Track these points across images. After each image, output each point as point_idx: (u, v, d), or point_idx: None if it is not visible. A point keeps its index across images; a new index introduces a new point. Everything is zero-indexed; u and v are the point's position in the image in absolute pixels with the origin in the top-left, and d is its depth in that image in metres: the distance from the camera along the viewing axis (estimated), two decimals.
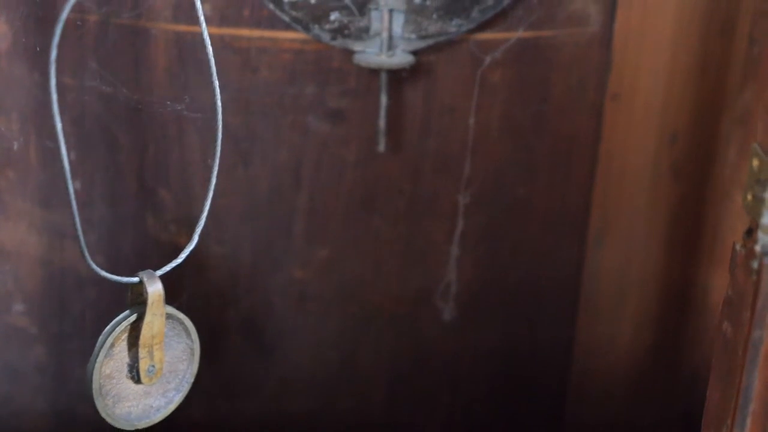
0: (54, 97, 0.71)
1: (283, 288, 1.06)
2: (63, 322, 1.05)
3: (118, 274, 0.78)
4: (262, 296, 1.06)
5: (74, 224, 0.75)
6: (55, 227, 1.02)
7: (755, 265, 0.67)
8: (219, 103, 0.80)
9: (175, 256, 0.81)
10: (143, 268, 0.80)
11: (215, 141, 0.81)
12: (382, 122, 0.98)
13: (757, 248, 0.67)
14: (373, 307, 1.08)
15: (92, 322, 1.05)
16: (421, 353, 1.10)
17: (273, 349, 1.08)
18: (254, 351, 1.08)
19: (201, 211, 0.81)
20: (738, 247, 0.69)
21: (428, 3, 0.94)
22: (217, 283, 1.05)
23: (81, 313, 1.05)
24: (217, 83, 0.80)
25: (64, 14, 0.70)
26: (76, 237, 1.01)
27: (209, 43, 0.79)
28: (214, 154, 0.81)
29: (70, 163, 0.98)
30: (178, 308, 0.82)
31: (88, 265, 0.76)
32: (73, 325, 1.05)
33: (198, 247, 0.82)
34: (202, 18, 0.78)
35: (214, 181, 0.81)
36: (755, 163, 0.68)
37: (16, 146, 0.98)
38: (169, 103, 0.97)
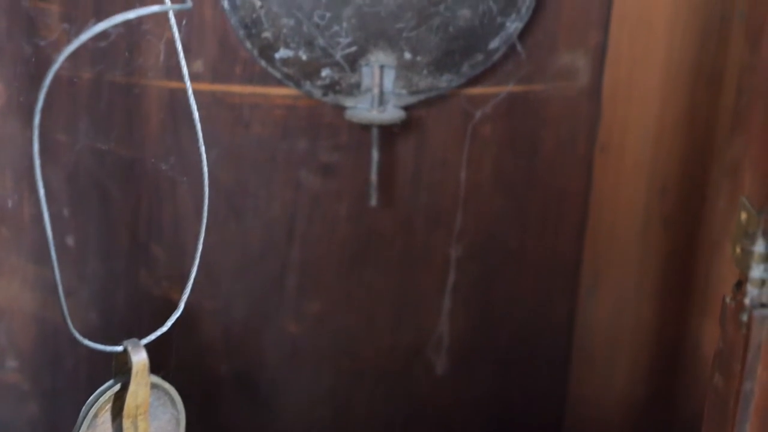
0: (35, 147, 0.71)
1: (276, 343, 1.06)
2: (56, 378, 1.05)
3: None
4: (255, 351, 1.06)
5: (57, 289, 0.75)
6: (48, 283, 1.02)
7: (745, 317, 0.67)
8: (204, 160, 0.81)
9: (168, 312, 0.81)
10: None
11: (203, 198, 0.81)
12: (373, 177, 0.98)
13: (747, 301, 0.67)
14: (365, 361, 1.08)
15: (86, 378, 1.05)
16: (414, 407, 1.10)
17: (266, 404, 1.08)
18: (247, 406, 1.08)
19: (192, 270, 0.81)
20: (728, 299, 0.69)
21: (419, 59, 0.95)
22: (210, 338, 1.05)
23: (74, 368, 1.05)
24: (201, 140, 0.80)
25: (51, 73, 0.70)
26: (71, 293, 1.01)
27: (193, 100, 0.79)
28: (202, 212, 0.81)
29: (63, 219, 0.99)
30: (166, 374, 0.81)
31: (70, 333, 0.75)
32: (66, 381, 1.05)
33: (190, 302, 0.82)
34: (186, 74, 0.79)
35: (201, 240, 0.81)
36: (743, 216, 0.68)
37: (10, 204, 0.98)
38: (162, 159, 0.98)
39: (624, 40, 0.99)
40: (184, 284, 0.84)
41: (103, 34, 0.93)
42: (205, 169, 0.81)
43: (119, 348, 0.77)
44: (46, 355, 1.04)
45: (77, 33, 0.93)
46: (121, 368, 0.77)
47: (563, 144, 1.02)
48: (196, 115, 0.80)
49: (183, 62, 0.78)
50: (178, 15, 0.93)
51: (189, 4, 0.76)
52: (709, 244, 1.05)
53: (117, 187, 0.99)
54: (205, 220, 0.81)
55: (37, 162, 0.71)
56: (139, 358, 0.77)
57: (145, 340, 0.78)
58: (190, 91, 0.79)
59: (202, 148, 0.80)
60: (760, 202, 0.68)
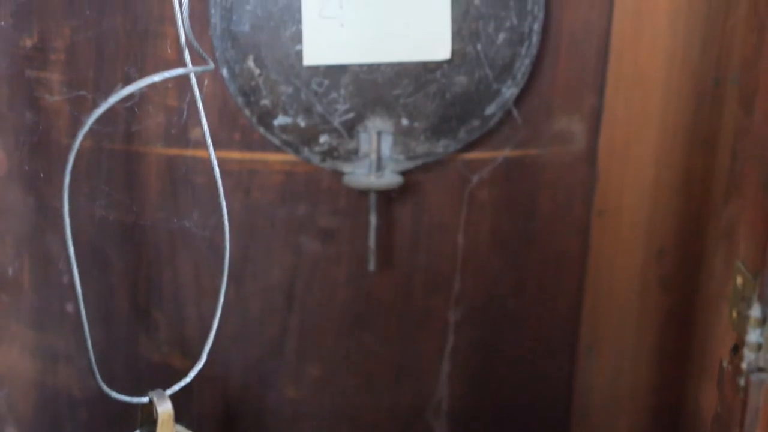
0: (66, 221, 0.72)
1: (276, 408, 1.06)
2: None
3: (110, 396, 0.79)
4: (255, 417, 1.06)
5: (86, 346, 0.76)
6: (48, 350, 1.02)
7: (742, 382, 0.67)
8: (227, 225, 0.82)
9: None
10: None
11: (223, 262, 0.82)
12: (372, 241, 0.99)
13: (744, 365, 0.67)
14: (365, 426, 1.08)
15: None
16: None
17: None
18: None
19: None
20: (725, 363, 0.70)
21: (416, 125, 0.96)
22: (210, 404, 1.05)
23: None
24: (224, 204, 0.81)
25: (80, 135, 0.72)
26: (71, 359, 1.02)
27: (216, 164, 0.81)
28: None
29: (63, 286, 0.99)
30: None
31: (99, 386, 0.77)
32: None
33: (188, 367, 0.83)
34: (208, 138, 0.80)
35: (221, 298, 0.83)
36: (739, 280, 0.69)
37: (10, 271, 0.99)
38: (161, 225, 0.98)
39: (619, 104, 1.00)
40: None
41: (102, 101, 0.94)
42: (227, 231, 0.82)
43: (145, 399, 0.79)
44: (45, 421, 1.04)
45: (78, 101, 0.94)
46: (146, 419, 0.79)
47: (560, 207, 1.03)
48: (219, 180, 0.81)
49: (205, 126, 0.80)
50: (183, 81, 0.94)
51: (211, 65, 0.77)
52: (707, 306, 1.05)
53: (117, 254, 1.00)
54: (225, 284, 0.82)
55: (67, 222, 0.73)
56: (165, 408, 0.79)
57: (169, 391, 0.79)
58: (213, 157, 0.80)
59: (225, 213, 0.82)
60: (755, 266, 0.68)
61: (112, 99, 0.72)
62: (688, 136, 1.02)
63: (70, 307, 1.00)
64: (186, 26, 0.77)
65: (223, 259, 1.00)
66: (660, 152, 1.02)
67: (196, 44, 0.78)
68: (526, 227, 1.03)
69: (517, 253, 1.04)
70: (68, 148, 0.96)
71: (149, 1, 0.92)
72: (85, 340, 0.77)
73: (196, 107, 0.93)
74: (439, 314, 1.05)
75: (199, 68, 0.77)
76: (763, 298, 0.67)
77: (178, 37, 0.77)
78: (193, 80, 0.80)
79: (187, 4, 0.77)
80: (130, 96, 0.94)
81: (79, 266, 1.00)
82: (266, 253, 1.01)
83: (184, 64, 0.78)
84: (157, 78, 0.72)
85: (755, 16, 0.95)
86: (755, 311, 0.67)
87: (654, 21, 0.98)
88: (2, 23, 0.92)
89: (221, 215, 0.98)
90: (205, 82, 0.93)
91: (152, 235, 0.99)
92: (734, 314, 0.69)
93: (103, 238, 0.99)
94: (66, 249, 0.75)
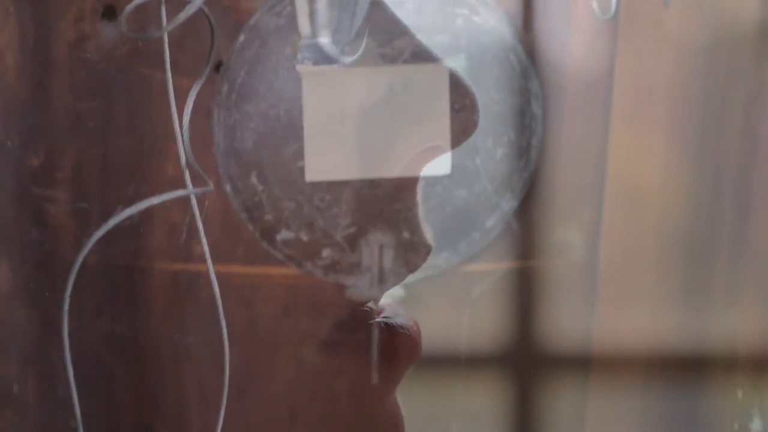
0: (65, 342, 0.72)
1: None
2: None
3: None
4: None
5: None
6: None
7: None
8: (226, 343, 0.82)
9: None
10: None
11: (223, 377, 0.82)
12: (375, 354, 0.99)
13: None
14: None
15: None
16: None
17: None
18: None
19: None
20: None
21: (416, 239, 0.97)
22: None
23: None
24: (224, 322, 0.82)
25: (80, 258, 0.72)
26: None
27: (215, 281, 0.82)
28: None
29: (68, 402, 0.99)
30: None
31: None
32: None
33: None
34: (209, 261, 0.81)
35: (222, 414, 0.83)
36: (739, 393, 0.69)
37: (15, 389, 0.99)
38: (165, 340, 0.99)
39: (618, 217, 1.01)
40: None
41: (108, 218, 0.95)
42: (227, 348, 0.82)
43: None
44: None
45: (84, 218, 0.95)
46: None
47: (561, 319, 1.03)
48: (218, 297, 0.82)
49: (205, 246, 0.81)
50: (187, 198, 0.96)
51: (211, 186, 0.79)
52: None
53: (121, 369, 1.00)
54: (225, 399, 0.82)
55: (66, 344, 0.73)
56: None
57: None
58: (212, 275, 0.81)
59: (224, 331, 0.82)
60: (755, 379, 0.68)
61: (112, 221, 0.73)
62: (687, 245, 1.02)
63: (72, 422, 1.00)
64: (186, 148, 0.79)
65: (223, 372, 1.00)
66: (660, 262, 1.03)
67: (196, 165, 0.79)
68: (528, 338, 1.03)
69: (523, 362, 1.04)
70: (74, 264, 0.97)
71: (155, 120, 0.94)
72: None
73: (194, 225, 0.94)
74: None
75: (199, 190, 0.78)
76: (764, 411, 0.67)
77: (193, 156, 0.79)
78: (194, 201, 0.81)
79: (187, 126, 0.79)
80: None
81: (83, 381, 1.00)
82: (269, 366, 1.01)
83: (201, 181, 0.80)
84: (155, 200, 0.74)
85: (749, 130, 0.97)
86: (756, 425, 0.67)
87: (650, 132, 1.00)
88: (9, 143, 0.93)
89: (222, 331, 0.99)
90: (207, 200, 0.95)
91: (156, 349, 1.00)
92: (735, 427, 0.70)
93: (108, 353, 1.00)
94: (67, 367, 0.76)
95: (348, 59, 0.93)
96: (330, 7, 0.89)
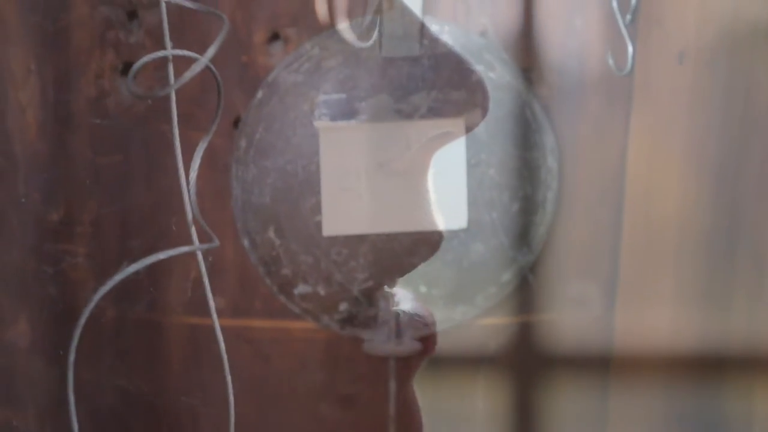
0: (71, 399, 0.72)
1: None
2: None
3: None
4: None
5: None
6: None
7: None
8: (231, 398, 0.82)
9: None
10: None
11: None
12: (392, 408, 0.99)
13: None
14: None
15: None
16: None
17: None
18: None
19: None
20: None
21: (433, 292, 0.97)
22: None
23: None
24: (229, 378, 0.82)
25: (84, 316, 0.73)
26: None
27: (221, 337, 0.81)
28: None
29: None
30: None
31: None
32: None
33: None
34: (213, 312, 0.81)
35: None
36: None
37: None
38: (183, 393, 0.99)
39: (634, 270, 1.01)
40: None
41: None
42: (232, 405, 0.82)
43: None
44: None
45: (102, 272, 0.96)
46: None
47: (577, 373, 1.03)
48: (224, 353, 0.82)
49: (211, 301, 0.81)
50: (205, 253, 0.96)
51: (216, 242, 0.79)
52: None
53: (139, 422, 1.00)
54: None
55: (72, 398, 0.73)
56: None
57: None
58: (218, 330, 0.81)
59: (229, 386, 0.82)
60: None
61: (117, 277, 0.73)
62: (702, 299, 1.02)
63: None
64: (193, 203, 0.79)
65: (241, 427, 1.00)
66: (675, 318, 1.03)
67: (202, 221, 0.79)
68: (543, 391, 1.03)
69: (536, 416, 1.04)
70: (91, 319, 0.97)
71: (171, 175, 0.95)
72: None
73: (212, 279, 0.95)
74: None
75: (204, 245, 0.79)
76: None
77: (199, 211, 0.79)
78: (200, 257, 0.81)
79: (194, 181, 0.79)
80: (151, 266, 0.95)
81: None
82: (287, 420, 1.01)
83: (208, 236, 0.80)
84: (162, 256, 0.74)
85: (764, 183, 0.97)
86: None
87: (666, 187, 1.00)
88: (26, 199, 0.94)
89: (242, 383, 0.99)
90: (210, 257, 0.95)
91: (173, 402, 1.00)
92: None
93: (125, 408, 1.00)
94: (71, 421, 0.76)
95: (364, 44, 0.93)
96: None
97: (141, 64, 0.65)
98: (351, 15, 0.91)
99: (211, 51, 0.67)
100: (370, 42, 0.92)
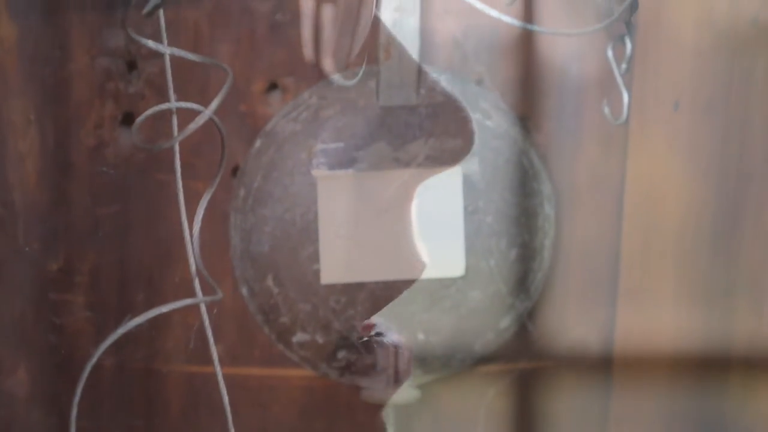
0: None
1: None
2: None
3: None
4: None
5: None
6: None
7: None
8: None
9: None
10: None
11: None
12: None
13: None
14: None
15: None
16: None
17: None
18: None
19: None
20: None
21: (432, 339, 0.97)
22: None
23: None
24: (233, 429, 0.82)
25: (88, 368, 0.73)
26: None
27: (224, 386, 0.82)
28: None
29: None
30: None
31: None
32: None
33: None
34: (218, 366, 0.81)
35: None
36: None
37: None
38: None
39: (632, 315, 1.02)
40: None
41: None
42: None
43: None
44: None
45: (101, 322, 0.96)
46: None
47: (578, 417, 1.03)
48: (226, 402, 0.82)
49: (214, 352, 0.81)
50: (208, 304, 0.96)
51: (219, 294, 0.79)
52: None
53: None
54: None
55: None
56: None
57: None
58: (221, 380, 0.81)
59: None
60: None
61: (120, 330, 0.73)
62: (701, 347, 1.02)
63: None
64: (196, 255, 0.79)
65: None
66: (674, 363, 1.03)
67: (206, 273, 0.80)
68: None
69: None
70: (91, 369, 0.97)
71: (171, 225, 0.96)
72: None
73: (213, 328, 0.95)
74: None
75: (208, 298, 0.79)
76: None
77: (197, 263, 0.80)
78: (203, 309, 0.81)
79: (197, 233, 0.80)
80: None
81: None
82: None
83: (211, 288, 0.80)
84: (164, 309, 0.74)
85: (761, 230, 0.98)
86: None
87: (663, 235, 1.01)
88: (28, 248, 0.95)
89: (241, 430, 0.99)
90: (215, 309, 0.95)
91: None
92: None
93: None
94: None
95: (348, 82, 0.94)
96: (332, 29, 0.90)
97: (145, 117, 0.66)
98: (337, 56, 0.91)
99: (214, 103, 0.68)
100: (354, 81, 0.93)
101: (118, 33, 0.92)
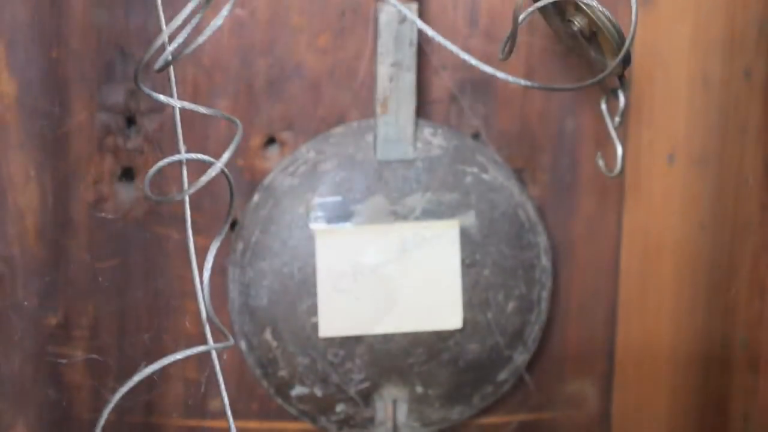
0: None
1: None
2: None
3: None
4: None
5: None
6: None
7: None
8: None
9: None
10: None
11: None
12: None
13: None
14: None
15: None
16: None
17: None
18: None
19: None
20: None
21: (430, 392, 0.98)
22: None
23: None
24: None
25: (101, 422, 0.73)
26: None
27: None
28: None
29: None
30: None
31: None
32: None
33: None
34: (230, 420, 0.81)
35: None
36: None
37: None
38: None
39: (630, 368, 1.02)
40: None
41: (124, 376, 0.96)
42: None
43: None
44: None
45: (100, 376, 0.96)
46: None
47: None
48: None
49: (226, 400, 0.81)
50: (202, 355, 0.96)
51: (231, 341, 0.79)
52: None
53: None
54: None
55: None
56: None
57: None
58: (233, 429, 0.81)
59: None
60: None
61: (137, 377, 0.73)
62: (699, 399, 1.03)
63: None
64: (207, 303, 0.80)
65: None
66: (672, 416, 1.03)
67: (216, 320, 0.80)
68: None
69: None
70: (90, 423, 0.97)
71: (170, 277, 0.96)
72: None
73: (216, 379, 0.95)
74: None
75: (220, 345, 0.79)
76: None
77: (197, 312, 0.80)
78: (214, 356, 0.82)
79: (207, 282, 0.80)
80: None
81: None
82: None
83: (203, 338, 0.81)
84: (179, 356, 0.74)
85: (756, 282, 0.98)
86: None
87: (659, 287, 1.01)
88: (26, 303, 0.95)
89: None
90: (224, 355, 0.96)
91: None
92: None
93: None
94: None
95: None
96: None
97: (157, 169, 0.66)
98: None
99: (226, 155, 0.68)
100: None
101: (117, 89, 0.93)
